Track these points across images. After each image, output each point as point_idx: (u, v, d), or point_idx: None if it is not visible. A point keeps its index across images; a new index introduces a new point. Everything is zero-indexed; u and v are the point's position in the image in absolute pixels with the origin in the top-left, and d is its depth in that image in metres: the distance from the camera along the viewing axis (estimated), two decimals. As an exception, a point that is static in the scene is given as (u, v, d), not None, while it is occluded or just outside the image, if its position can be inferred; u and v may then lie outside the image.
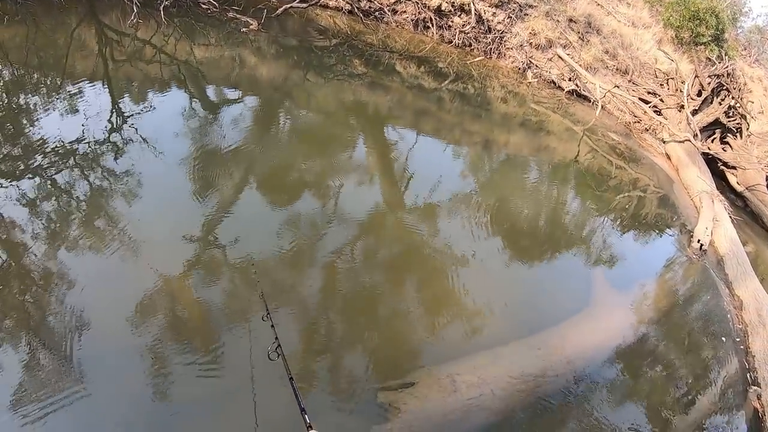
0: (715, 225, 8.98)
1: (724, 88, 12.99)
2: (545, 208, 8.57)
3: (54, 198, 5.79)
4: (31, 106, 7.50)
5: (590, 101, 12.79)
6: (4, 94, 7.68)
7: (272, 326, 3.68)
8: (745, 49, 20.95)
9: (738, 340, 6.97)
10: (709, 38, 15.99)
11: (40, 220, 5.47)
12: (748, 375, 6.44)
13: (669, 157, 11.45)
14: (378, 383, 4.68)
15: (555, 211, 8.66)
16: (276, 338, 3.34)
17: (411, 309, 5.60)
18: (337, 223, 6.55)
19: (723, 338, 6.92)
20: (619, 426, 5.21)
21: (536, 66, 13.57)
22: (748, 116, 13.15)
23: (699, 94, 12.93)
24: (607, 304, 6.78)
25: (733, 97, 12.86)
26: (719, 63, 13.67)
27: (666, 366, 6.17)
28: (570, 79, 13.34)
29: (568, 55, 13.47)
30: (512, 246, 7.26)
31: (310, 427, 2.13)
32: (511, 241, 7.35)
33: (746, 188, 11.62)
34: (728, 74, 13.05)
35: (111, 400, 4.08)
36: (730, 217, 9.56)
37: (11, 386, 3.95)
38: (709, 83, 12.92)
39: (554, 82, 13.45)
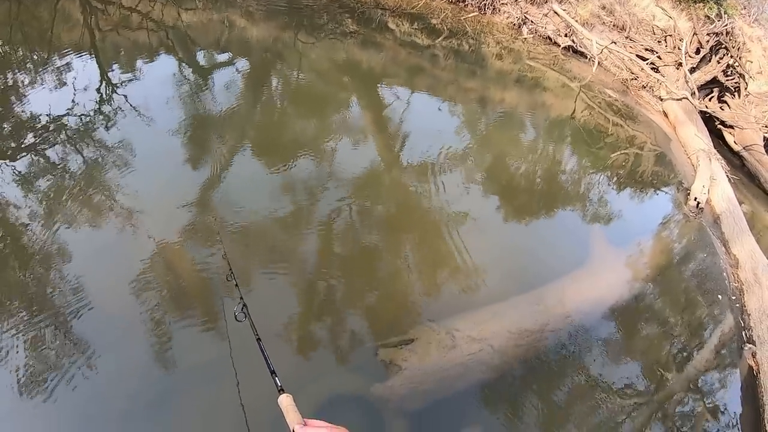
0: (712, 183, 8.90)
1: (723, 46, 12.80)
2: (542, 165, 8.49)
3: (46, 172, 5.74)
4: (18, 82, 7.37)
5: (587, 58, 12.56)
6: None
7: (236, 286, 3.59)
8: (745, 8, 20.60)
9: (734, 298, 6.94)
10: (709, -5, 15.72)
11: (33, 194, 5.42)
12: (743, 333, 6.43)
13: (666, 115, 11.31)
14: (377, 340, 4.67)
15: (551, 168, 8.57)
16: (241, 298, 3.25)
17: (408, 267, 5.57)
18: (333, 183, 6.51)
19: (719, 296, 6.89)
20: (614, 381, 5.23)
21: (531, 22, 13.30)
22: (746, 76, 12.99)
23: (697, 51, 12.73)
24: (605, 261, 6.77)
25: (731, 56, 12.68)
26: (718, 21, 13.43)
27: (662, 323, 6.17)
28: (566, 35, 13.08)
29: (564, 10, 13.19)
30: (509, 203, 7.22)
31: (281, 390, 2.14)
32: (507, 198, 7.31)
33: (743, 148, 11.52)
34: (727, 33, 12.85)
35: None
36: (727, 176, 9.47)
37: (12, 361, 3.92)
38: (708, 41, 12.72)
39: (550, 38, 13.18)
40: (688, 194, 8.54)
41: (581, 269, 6.35)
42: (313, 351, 4.59)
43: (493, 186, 7.50)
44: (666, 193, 8.91)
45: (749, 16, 20.21)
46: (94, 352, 4.07)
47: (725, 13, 15.39)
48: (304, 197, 6.14)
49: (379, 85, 9.73)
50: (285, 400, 2.12)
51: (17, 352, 3.97)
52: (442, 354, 4.63)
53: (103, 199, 5.50)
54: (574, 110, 10.68)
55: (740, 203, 8.84)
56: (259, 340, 2.90)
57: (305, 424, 1.90)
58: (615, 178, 8.66)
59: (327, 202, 6.15)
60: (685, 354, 5.96)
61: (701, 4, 15.50)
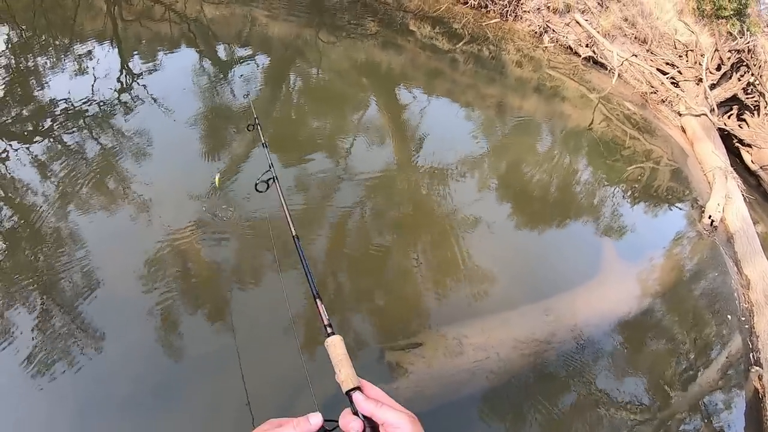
0: (727, 202, 8.85)
1: (744, 64, 12.72)
2: (557, 175, 8.46)
3: (62, 156, 5.80)
4: (39, 67, 7.47)
5: (607, 69, 12.52)
6: (12, 56, 7.59)
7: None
8: None
9: (743, 319, 6.88)
10: (732, 12, 15.60)
11: (50, 180, 5.48)
12: (751, 355, 6.38)
13: (684, 131, 11.26)
14: (384, 342, 4.68)
15: (566, 178, 8.55)
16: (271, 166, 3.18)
17: (418, 269, 5.57)
18: (347, 182, 6.54)
19: (728, 316, 6.84)
20: (619, 396, 5.21)
21: (553, 30, 13.29)
22: (766, 94, 12.91)
23: (718, 68, 12.67)
24: (616, 274, 6.73)
25: (752, 74, 12.59)
26: (740, 38, 13.37)
27: (670, 340, 6.15)
28: (587, 46, 13.06)
29: (586, 20, 13.16)
30: (522, 210, 7.21)
31: (329, 327, 1.78)
32: (521, 205, 7.30)
33: (760, 167, 11.45)
34: (749, 50, 12.76)
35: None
36: (743, 195, 9.41)
37: (22, 342, 3.98)
38: (729, 58, 12.65)
39: (571, 48, 13.16)
40: (703, 211, 8.50)
41: (592, 281, 6.33)
42: (318, 348, 4.58)
43: (508, 193, 7.50)
44: (680, 209, 8.87)
45: (772, 34, 20.12)
46: (103, 335, 4.13)
47: (748, 30, 15.30)
48: (316, 195, 6.16)
49: (397, 87, 9.74)
50: (338, 345, 1.51)
51: (27, 332, 4.04)
52: (448, 359, 4.63)
53: (117, 185, 5.56)
54: (592, 121, 10.64)
55: (755, 223, 8.79)
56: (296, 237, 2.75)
57: (360, 389, 1.40)
58: (630, 192, 8.62)
59: (339, 201, 6.17)
60: (691, 373, 5.92)
61: (724, 21, 15.43)
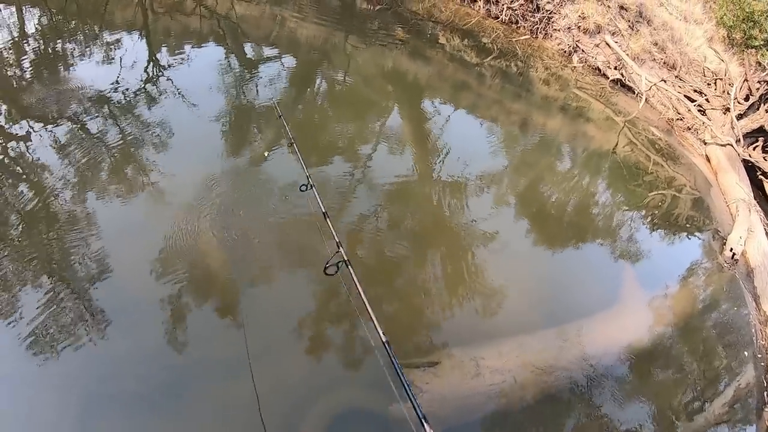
0: (750, 235, 8.77)
1: (773, 95, 12.65)
2: (577, 196, 8.45)
3: (84, 141, 5.88)
4: (68, 52, 7.54)
5: (634, 93, 12.47)
6: (42, 40, 7.68)
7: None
8: (797, 57, 20.43)
9: (759, 356, 6.83)
10: (762, 42, 15.46)
11: (71, 164, 5.54)
12: (765, 394, 6.32)
13: (709, 160, 11.18)
14: (400, 359, 4.62)
15: (587, 201, 8.53)
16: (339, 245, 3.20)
17: (436, 285, 5.58)
18: (366, 191, 6.58)
19: (745, 352, 6.79)
20: (632, 428, 5.18)
21: (582, 51, 13.25)
22: (793, 127, 12.82)
23: (746, 98, 12.58)
24: (634, 303, 6.72)
25: (780, 106, 12.51)
26: (770, 69, 13.31)
27: (685, 372, 6.12)
28: (616, 68, 13.01)
29: (616, 43, 13.12)
30: (542, 231, 7.21)
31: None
32: (541, 225, 7.31)
33: (784, 201, 11.38)
34: (778, 82, 12.70)
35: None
36: (765, 229, 9.33)
37: (31, 328, 4.06)
38: (758, 88, 12.57)
39: (599, 69, 13.12)
40: (724, 244, 8.44)
41: (609, 309, 6.32)
42: (334, 362, 4.60)
43: (528, 211, 7.50)
44: (701, 239, 8.81)
45: (802, 67, 19.94)
46: (112, 326, 4.22)
47: (779, 61, 15.20)
48: (335, 202, 6.18)
49: (422, 97, 9.76)
50: None
51: (35, 316, 4.10)
52: (464, 381, 4.64)
53: (136, 174, 5.67)
54: (616, 144, 10.61)
55: (776, 258, 8.71)
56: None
57: None
58: (650, 218, 8.59)
59: (357, 210, 6.21)
60: (704, 407, 5.90)
61: (754, 50, 15.31)
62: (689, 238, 8.74)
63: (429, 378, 4.50)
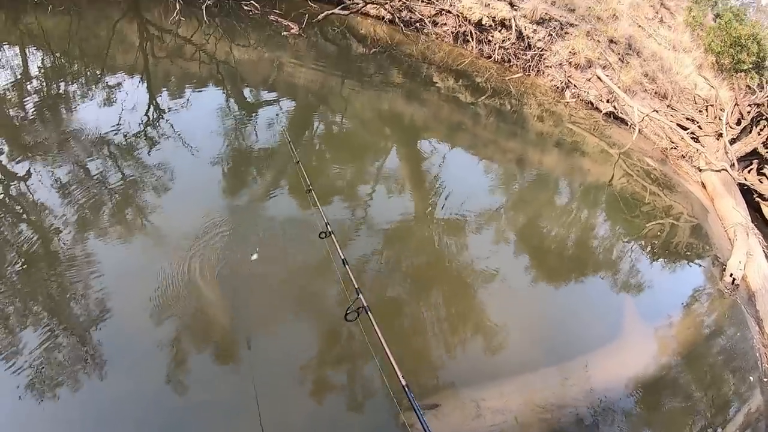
0: (749, 259, 8.87)
1: (764, 117, 12.81)
2: (576, 231, 8.59)
3: (85, 185, 5.93)
4: (70, 93, 7.74)
5: (627, 124, 12.72)
6: (44, 81, 7.91)
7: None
8: (787, 77, 20.66)
9: (766, 380, 6.85)
10: (750, 65, 15.75)
11: (71, 204, 5.61)
12: (775, 417, 6.37)
13: (704, 186, 11.34)
14: (400, 401, 4.57)
15: (585, 234, 8.67)
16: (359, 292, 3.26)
17: (436, 325, 5.61)
18: (365, 231, 6.65)
19: (750, 377, 6.82)
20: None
21: (574, 86, 13.55)
22: (787, 148, 12.98)
23: (738, 122, 12.77)
24: (635, 336, 6.74)
25: (772, 127, 12.68)
26: (760, 91, 13.49)
27: (690, 401, 6.14)
28: (608, 101, 13.28)
29: (607, 76, 13.41)
30: (541, 267, 7.29)
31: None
32: (540, 261, 7.40)
33: (782, 222, 11.49)
34: (769, 103, 12.88)
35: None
36: (765, 251, 9.43)
37: (31, 366, 4.06)
38: (749, 112, 12.75)
39: (592, 103, 13.41)
40: (724, 269, 8.54)
41: (611, 344, 6.34)
42: (334, 403, 4.62)
43: (527, 248, 7.59)
44: (701, 266, 8.92)
45: (792, 86, 20.18)
46: (110, 367, 4.25)
47: (767, 82, 15.42)
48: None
49: (419, 137, 9.96)
50: None
51: (34, 355, 4.15)
52: (465, 423, 4.66)
53: (135, 216, 5.72)
54: (612, 177, 10.81)
55: (776, 280, 8.79)
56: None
57: None
58: (649, 248, 8.70)
59: (355, 250, 6.22)
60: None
61: (743, 74, 15.58)
62: (689, 266, 8.84)
63: (429, 421, 4.50)
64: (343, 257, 4.35)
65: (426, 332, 5.50)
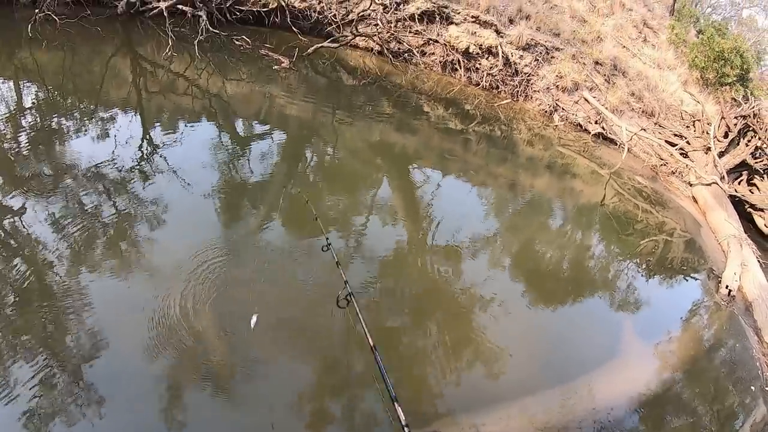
0: (744, 270, 8.95)
1: (751, 128, 13.01)
2: (570, 252, 8.67)
3: (79, 220, 5.92)
4: (63, 128, 7.81)
5: (616, 144, 12.89)
6: (38, 116, 8.01)
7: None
8: (771, 87, 20.93)
9: (767, 388, 6.89)
10: (735, 78, 16.03)
11: (65, 240, 5.60)
12: (778, 425, 6.41)
13: (696, 201, 11.48)
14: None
15: (580, 255, 8.75)
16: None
17: (435, 353, 5.61)
18: (360, 262, 6.67)
19: (752, 387, 6.86)
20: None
21: (563, 109, 13.76)
22: (775, 157, 13.15)
23: (725, 135, 12.98)
24: (635, 353, 6.78)
25: (759, 138, 12.85)
26: (745, 103, 13.71)
27: (694, 415, 6.14)
28: (596, 122, 13.49)
29: (594, 97, 13.64)
30: (538, 290, 7.33)
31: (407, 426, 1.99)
32: (536, 284, 7.44)
33: (774, 230, 11.60)
34: (754, 115, 13.07)
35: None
36: (759, 261, 9.53)
37: (22, 404, 4.03)
38: (736, 124, 12.97)
39: (580, 125, 13.61)
40: (719, 282, 8.61)
41: (610, 362, 6.37)
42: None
43: (522, 272, 7.66)
44: (697, 280, 9.00)
45: (776, 95, 20.47)
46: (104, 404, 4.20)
47: (752, 94, 15.71)
48: (329, 274, 6.09)
49: (411, 166, 10.06)
50: None
51: (28, 395, 4.10)
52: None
53: (129, 251, 5.70)
54: (604, 197, 10.97)
55: (773, 289, 8.86)
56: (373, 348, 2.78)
57: None
58: (645, 266, 8.78)
59: (352, 280, 6.15)
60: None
61: (728, 87, 15.85)
62: (685, 280, 8.94)
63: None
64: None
65: (424, 359, 5.52)
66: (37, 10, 10.44)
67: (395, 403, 2.12)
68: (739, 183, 12.39)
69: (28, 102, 8.46)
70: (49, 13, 10.52)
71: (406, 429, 1.98)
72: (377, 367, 2.44)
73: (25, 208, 5.93)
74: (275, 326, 5.29)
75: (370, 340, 2.73)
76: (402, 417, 2.08)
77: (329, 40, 13.37)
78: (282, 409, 4.61)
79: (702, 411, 6.26)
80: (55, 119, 8.03)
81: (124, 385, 4.40)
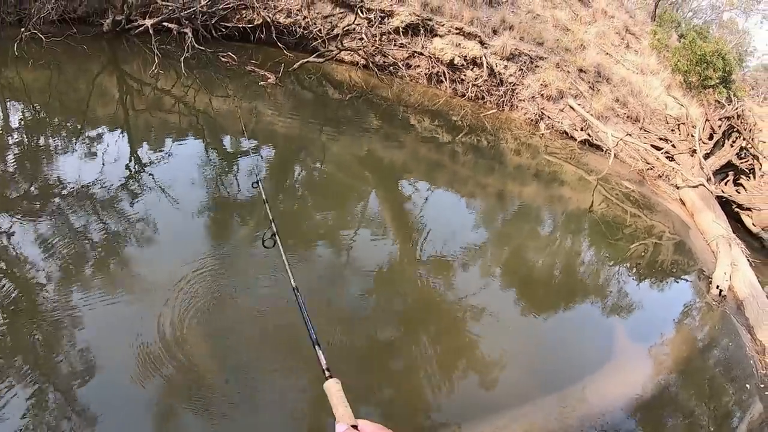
0: (734, 269, 9.01)
1: (735, 129, 13.17)
2: (561, 259, 8.70)
3: (67, 239, 5.84)
4: (50, 147, 7.76)
5: (603, 150, 13.00)
6: (25, 135, 7.95)
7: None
8: (753, 88, 21.20)
9: (762, 386, 6.92)
10: (717, 80, 16.22)
11: (53, 259, 5.52)
12: (776, 422, 6.43)
13: (683, 203, 11.57)
14: None
15: (571, 262, 8.78)
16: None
17: (427, 364, 5.58)
18: (350, 276, 6.63)
19: (747, 385, 6.89)
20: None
21: (548, 117, 13.88)
22: (760, 156, 13.27)
23: (710, 137, 13.11)
24: (629, 357, 6.79)
25: (744, 138, 13.01)
26: (728, 105, 13.89)
27: (690, 416, 6.15)
28: (582, 129, 13.60)
29: (579, 105, 13.76)
30: (529, 298, 7.34)
31: (328, 371, 2.00)
32: (528, 292, 7.46)
33: (762, 229, 11.69)
34: (738, 116, 13.24)
35: None
36: (748, 260, 9.59)
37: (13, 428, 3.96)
38: (720, 126, 13.11)
39: (566, 133, 13.73)
40: (710, 282, 8.67)
41: (605, 367, 6.37)
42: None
43: (514, 280, 7.67)
44: (687, 281, 9.05)
45: (758, 95, 20.77)
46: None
47: (735, 95, 15.90)
48: (320, 288, 6.18)
49: (399, 179, 10.08)
50: (334, 388, 1.89)
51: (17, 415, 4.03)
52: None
53: (118, 269, 5.60)
54: (592, 203, 11.03)
55: (763, 286, 8.91)
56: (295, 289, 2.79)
57: (357, 427, 1.70)
58: (635, 270, 8.81)
59: (342, 295, 6.23)
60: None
61: (711, 90, 16.03)
62: (676, 282, 8.97)
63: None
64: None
65: (417, 372, 5.48)
66: (23, 29, 10.47)
67: (316, 347, 2.11)
68: (725, 183, 12.50)
69: (14, 121, 8.42)
70: (35, 31, 10.55)
71: (326, 372, 1.97)
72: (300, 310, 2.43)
73: (12, 228, 5.88)
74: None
75: (292, 280, 2.72)
76: (323, 361, 2.07)
77: (315, 54, 13.43)
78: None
79: (699, 411, 6.26)
80: (42, 138, 7.98)
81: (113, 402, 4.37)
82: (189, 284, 5.62)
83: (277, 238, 3.36)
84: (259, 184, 4.55)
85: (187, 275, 5.72)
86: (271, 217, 3.76)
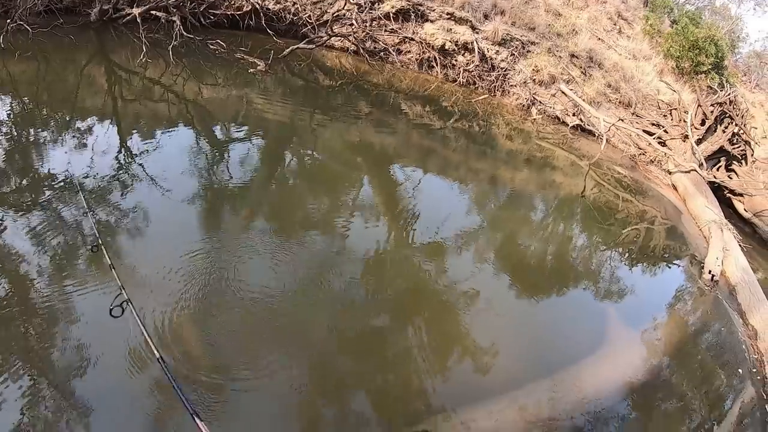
0: (726, 254, 9.02)
1: (727, 115, 13.14)
2: (553, 245, 8.66)
3: (58, 232, 5.75)
4: (40, 140, 7.63)
5: (595, 135, 12.96)
6: (13, 128, 7.82)
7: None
8: (745, 74, 21.20)
9: (754, 370, 6.95)
10: (710, 66, 16.19)
11: (45, 253, 5.43)
12: (766, 406, 6.42)
13: (675, 188, 11.56)
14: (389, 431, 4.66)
15: (563, 247, 8.74)
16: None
17: (421, 350, 5.56)
18: (343, 262, 6.56)
19: (739, 369, 6.91)
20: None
21: (540, 102, 13.80)
22: (752, 142, 13.28)
23: (702, 123, 13.07)
24: (622, 341, 6.79)
25: (736, 124, 12.98)
26: (721, 91, 13.86)
27: (682, 400, 6.17)
28: (574, 114, 13.54)
29: (571, 90, 13.69)
30: (522, 283, 7.29)
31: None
32: (520, 278, 7.41)
33: (754, 214, 11.68)
34: (730, 101, 13.20)
35: None
36: (740, 245, 9.60)
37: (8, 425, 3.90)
38: (712, 111, 13.07)
39: (558, 118, 13.66)
40: (702, 267, 8.66)
41: (597, 351, 6.36)
42: None
43: (506, 266, 7.64)
44: (679, 266, 9.05)
45: (750, 82, 20.77)
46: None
47: (727, 81, 15.88)
48: (312, 276, 6.15)
49: (391, 165, 10.00)
50: None
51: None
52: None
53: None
54: (584, 188, 10.98)
55: (755, 271, 8.94)
56: (160, 359, 2.73)
57: None
58: (627, 255, 8.80)
59: (335, 282, 6.17)
60: (714, 429, 5.91)
61: (703, 75, 15.99)
62: (669, 267, 8.98)
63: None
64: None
65: (410, 358, 5.45)
66: (9, 21, 10.23)
67: (195, 419, 2.01)
68: (717, 169, 12.49)
69: (2, 114, 8.27)
70: (22, 23, 10.31)
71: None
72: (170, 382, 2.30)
73: (4, 222, 5.78)
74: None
75: (155, 350, 2.58)
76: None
77: (305, 41, 13.27)
78: None
79: (691, 395, 6.26)
80: (31, 130, 7.87)
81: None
82: (177, 276, 5.51)
83: (131, 305, 3.15)
84: (102, 248, 4.16)
85: (176, 267, 5.62)
86: (120, 284, 3.55)
